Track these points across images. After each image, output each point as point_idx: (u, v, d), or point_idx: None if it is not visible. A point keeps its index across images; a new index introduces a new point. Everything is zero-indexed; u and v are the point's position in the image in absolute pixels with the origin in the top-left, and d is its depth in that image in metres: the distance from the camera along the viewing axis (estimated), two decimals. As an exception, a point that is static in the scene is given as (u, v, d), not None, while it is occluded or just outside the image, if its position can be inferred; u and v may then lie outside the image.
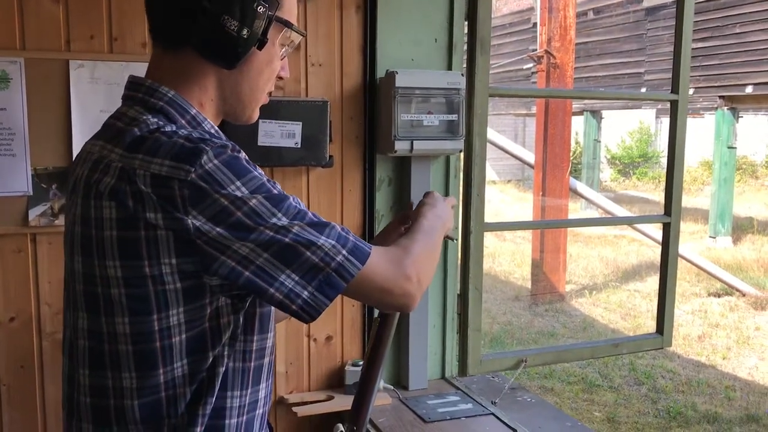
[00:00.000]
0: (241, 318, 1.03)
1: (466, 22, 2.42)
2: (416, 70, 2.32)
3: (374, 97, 2.34)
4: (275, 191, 0.98)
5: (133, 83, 1.08)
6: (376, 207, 2.37)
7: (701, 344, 6.46)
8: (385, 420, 2.15)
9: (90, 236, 0.99)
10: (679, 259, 2.92)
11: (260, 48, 1.05)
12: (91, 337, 1.02)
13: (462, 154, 2.40)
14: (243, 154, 0.98)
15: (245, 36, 1.02)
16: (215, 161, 0.94)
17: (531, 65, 10.64)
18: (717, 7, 10.66)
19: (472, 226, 2.41)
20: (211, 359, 1.01)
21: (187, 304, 0.98)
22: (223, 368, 1.02)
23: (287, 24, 1.08)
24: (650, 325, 6.12)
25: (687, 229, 11.09)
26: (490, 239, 9.73)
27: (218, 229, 0.93)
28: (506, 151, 8.66)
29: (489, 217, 2.47)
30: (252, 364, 1.07)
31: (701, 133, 14.13)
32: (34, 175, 2.03)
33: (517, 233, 10.92)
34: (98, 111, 2.06)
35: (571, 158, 9.88)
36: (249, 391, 1.07)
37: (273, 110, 2.14)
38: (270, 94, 1.16)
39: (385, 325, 1.34)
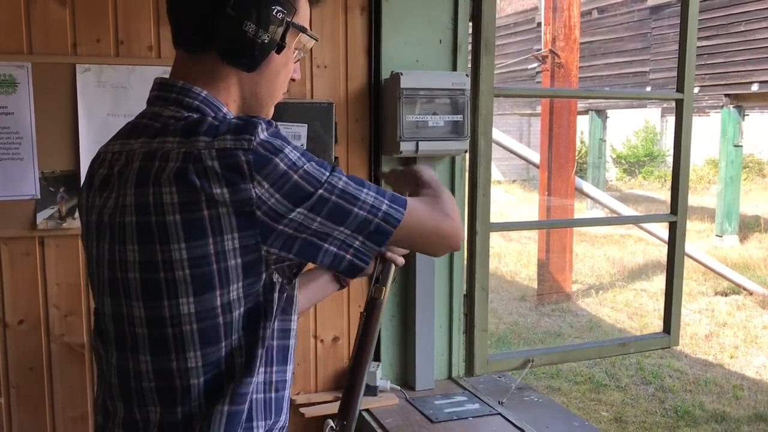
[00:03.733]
0: (283, 295, 1.09)
1: (471, 23, 2.42)
2: (421, 71, 2.33)
3: (379, 99, 2.34)
4: (315, 157, 1.04)
5: (164, 84, 1.12)
6: (382, 208, 2.37)
7: (708, 343, 6.44)
8: (392, 420, 2.15)
9: (149, 223, 1.01)
10: (685, 258, 2.92)
11: (278, 52, 1.10)
12: (150, 324, 1.04)
13: (467, 155, 2.40)
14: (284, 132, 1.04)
15: (265, 41, 1.07)
16: (267, 131, 1.00)
17: (535, 65, 10.64)
18: (722, 5, 10.63)
19: (478, 226, 2.41)
20: (261, 333, 1.06)
21: (246, 278, 1.02)
22: (266, 343, 1.07)
23: (302, 29, 1.13)
24: (657, 325, 6.10)
25: (693, 228, 11.06)
26: (495, 239, 9.72)
27: (278, 195, 0.98)
28: (511, 151, 8.65)
29: (494, 217, 2.48)
30: (279, 342, 1.12)
31: (707, 131, 14.09)
32: (41, 179, 2.04)
33: (522, 233, 10.91)
34: (105, 114, 2.07)
35: (577, 158, 9.86)
36: (276, 368, 1.12)
37: (279, 112, 2.13)
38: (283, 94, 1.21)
39: (370, 319, 1.34)
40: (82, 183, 1.23)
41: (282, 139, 1.01)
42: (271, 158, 0.98)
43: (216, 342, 1.03)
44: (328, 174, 1.02)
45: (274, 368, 1.11)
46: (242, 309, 1.04)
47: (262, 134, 0.99)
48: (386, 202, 1.05)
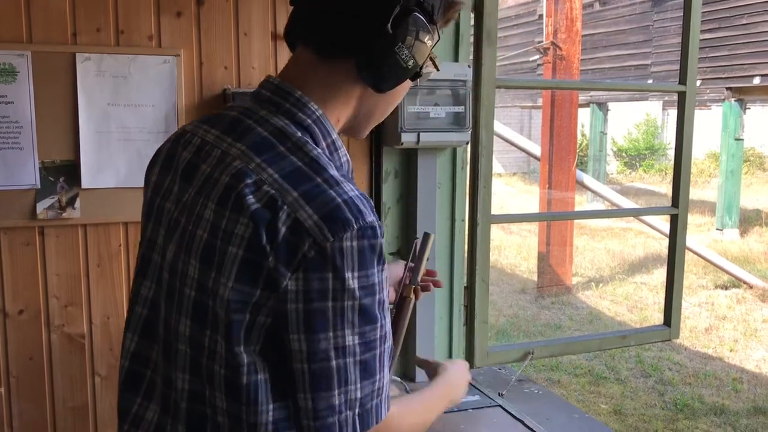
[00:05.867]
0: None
1: (473, 14, 2.41)
2: (422, 61, 2.31)
3: (380, 89, 2.33)
4: (375, 306, 0.95)
5: (280, 89, 1.04)
6: (383, 199, 2.37)
7: (708, 336, 6.45)
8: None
9: (214, 246, 0.96)
10: (686, 251, 2.91)
11: (414, 79, 1.06)
12: (192, 345, 1.01)
13: (469, 146, 2.40)
14: (380, 240, 0.96)
15: (410, 66, 1.02)
16: (354, 242, 0.91)
17: (537, 57, 10.61)
18: (724, -2, 10.60)
19: (478, 218, 2.41)
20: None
21: (265, 340, 0.97)
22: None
23: (433, 60, 1.09)
24: (657, 318, 6.11)
25: (694, 221, 11.07)
26: (496, 232, 9.72)
27: (300, 305, 0.91)
28: (512, 144, 8.64)
29: (495, 210, 2.47)
30: None
31: (708, 124, 14.09)
32: (41, 168, 2.03)
33: (523, 226, 10.92)
34: (105, 104, 2.07)
35: (578, 151, 9.85)
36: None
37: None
38: None
39: (399, 316, 1.35)
40: (157, 155, 1.15)
41: (362, 260, 0.92)
42: (327, 267, 0.90)
43: (238, 400, 0.99)
44: (358, 332, 0.93)
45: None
46: (262, 376, 0.99)
47: (346, 242, 0.91)
48: (378, 399, 0.97)
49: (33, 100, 2.00)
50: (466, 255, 2.50)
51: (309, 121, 1.01)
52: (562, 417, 2.29)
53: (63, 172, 2.05)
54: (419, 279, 1.39)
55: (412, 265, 1.37)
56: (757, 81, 10.21)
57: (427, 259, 1.41)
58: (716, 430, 4.61)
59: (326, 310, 0.91)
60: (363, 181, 2.37)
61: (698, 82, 9.84)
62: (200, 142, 1.05)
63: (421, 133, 2.22)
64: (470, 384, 1.40)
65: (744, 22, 10.46)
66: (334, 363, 0.93)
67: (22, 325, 2.07)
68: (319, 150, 1.00)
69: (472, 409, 2.16)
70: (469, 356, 2.48)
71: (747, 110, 11.07)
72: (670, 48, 11.59)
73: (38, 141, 2.02)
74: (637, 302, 7.47)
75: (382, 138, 2.35)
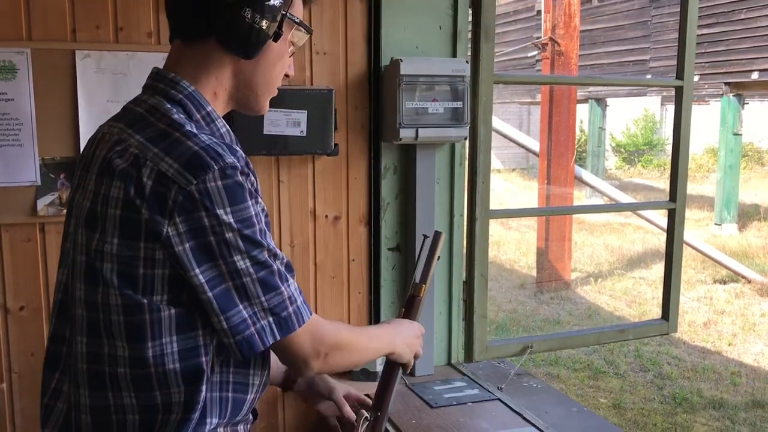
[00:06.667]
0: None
1: (470, 9, 2.41)
2: (421, 57, 2.32)
3: (379, 85, 2.34)
4: (257, 234, 1.05)
5: (156, 74, 1.15)
6: (382, 195, 2.38)
7: (707, 331, 6.47)
8: (391, 406, 2.16)
9: (95, 212, 1.06)
10: (684, 246, 2.92)
11: (275, 40, 1.13)
12: (87, 306, 1.09)
13: (467, 142, 2.40)
14: (251, 179, 1.06)
15: (264, 27, 1.10)
16: (219, 182, 1.01)
17: (535, 53, 10.61)
18: (722, -7, 10.59)
19: (477, 213, 2.42)
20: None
21: (170, 289, 1.05)
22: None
23: (298, 21, 1.16)
24: (655, 312, 6.12)
25: (692, 216, 11.08)
26: (495, 228, 9.72)
27: (186, 245, 1.01)
28: (511, 140, 8.65)
29: (493, 206, 2.48)
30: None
31: (707, 120, 14.08)
32: (41, 165, 2.04)
33: (522, 222, 10.93)
34: (105, 101, 2.07)
35: (576, 146, 9.85)
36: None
37: (278, 99, 2.11)
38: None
39: (409, 316, 1.37)
40: None
41: (231, 195, 1.01)
42: (197, 208, 1.00)
43: (142, 340, 1.07)
44: (247, 255, 1.03)
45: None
46: (171, 311, 1.08)
47: (210, 183, 1.00)
48: (270, 319, 1.07)
49: (33, 97, 2.01)
50: (465, 250, 2.51)
51: (180, 95, 1.11)
52: (561, 411, 2.30)
53: (63, 169, 2.06)
54: (429, 278, 1.39)
55: (422, 268, 1.38)
56: (755, 76, 10.21)
57: (438, 258, 1.42)
58: (715, 423, 4.62)
59: (210, 243, 1.01)
60: (362, 177, 2.38)
61: (696, 78, 9.85)
62: (101, 135, 1.17)
63: (419, 129, 2.22)
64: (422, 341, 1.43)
65: (742, 17, 10.45)
66: (232, 283, 1.03)
67: (23, 321, 2.08)
68: (186, 118, 1.09)
69: (472, 402, 2.17)
70: (468, 350, 2.49)
71: (745, 105, 11.07)
72: (669, 43, 11.59)
73: (38, 138, 2.03)
74: (635, 297, 7.48)
75: (380, 134, 2.36)
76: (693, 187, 13.06)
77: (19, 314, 2.08)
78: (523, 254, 9.40)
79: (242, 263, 1.03)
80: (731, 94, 10.50)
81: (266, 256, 1.05)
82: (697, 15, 2.71)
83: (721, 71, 10.72)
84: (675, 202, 2.77)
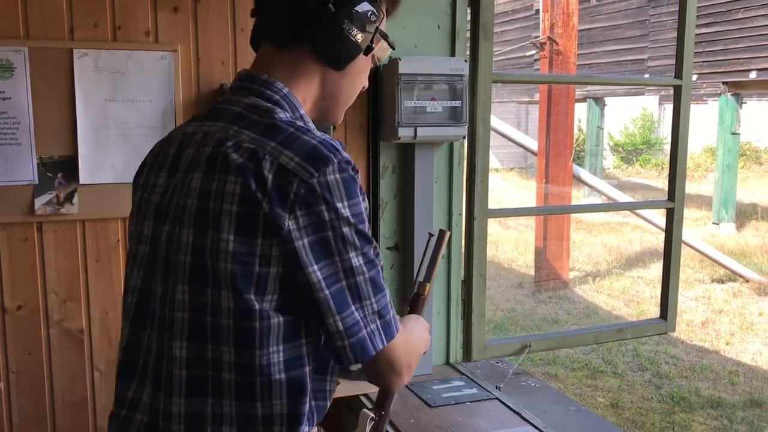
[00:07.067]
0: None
1: (469, 8, 2.41)
2: (419, 56, 2.32)
3: (377, 84, 2.34)
4: (367, 230, 1.04)
5: (248, 76, 1.13)
6: (381, 194, 2.38)
7: (705, 330, 6.47)
8: (390, 405, 2.16)
9: (206, 209, 1.02)
10: (682, 245, 2.93)
11: (367, 54, 1.13)
12: (192, 309, 1.04)
13: (465, 141, 2.40)
14: (359, 175, 1.05)
15: (359, 40, 1.10)
16: (338, 175, 1.00)
17: (534, 52, 10.61)
18: (720, -8, 10.59)
19: (476, 212, 2.41)
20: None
21: (281, 289, 1.02)
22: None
23: (384, 36, 1.16)
24: (654, 312, 6.12)
25: (690, 215, 11.08)
26: (493, 227, 9.73)
27: (305, 240, 0.98)
28: (509, 139, 8.64)
29: (492, 205, 2.48)
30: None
31: (705, 119, 14.09)
32: (39, 164, 2.04)
33: (520, 221, 10.93)
34: (103, 100, 2.07)
35: (574, 145, 9.85)
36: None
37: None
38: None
39: (414, 312, 1.36)
40: (143, 163, 1.22)
41: (348, 189, 1.00)
42: (319, 201, 0.98)
43: (250, 347, 1.03)
44: (361, 252, 1.02)
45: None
46: (279, 319, 1.05)
47: (330, 175, 0.99)
48: (382, 320, 1.04)
49: (30, 96, 2.00)
50: (463, 249, 2.50)
51: (277, 96, 1.10)
52: (560, 410, 2.30)
53: (61, 168, 2.06)
54: (433, 277, 1.39)
55: (426, 268, 1.37)
56: (753, 75, 10.21)
57: (442, 257, 1.41)
58: (713, 422, 4.63)
59: (328, 239, 0.99)
60: (360, 176, 2.37)
61: (695, 77, 9.87)
62: (182, 136, 1.13)
63: (418, 128, 2.22)
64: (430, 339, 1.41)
65: (740, 16, 10.46)
66: (346, 282, 1.01)
67: (21, 321, 2.08)
68: (290, 116, 1.07)
69: (470, 402, 2.17)
70: (467, 349, 2.49)
71: (743, 105, 11.08)
72: (667, 43, 11.59)
73: (36, 137, 2.02)
74: (633, 296, 7.49)
75: (379, 133, 2.35)
76: (691, 187, 13.06)
77: (16, 313, 2.08)
78: (521, 253, 9.40)
79: (356, 260, 1.01)
80: (729, 94, 10.50)
81: (374, 253, 1.04)
82: (695, 14, 2.71)
83: (719, 70, 10.73)
84: (673, 201, 2.77)
